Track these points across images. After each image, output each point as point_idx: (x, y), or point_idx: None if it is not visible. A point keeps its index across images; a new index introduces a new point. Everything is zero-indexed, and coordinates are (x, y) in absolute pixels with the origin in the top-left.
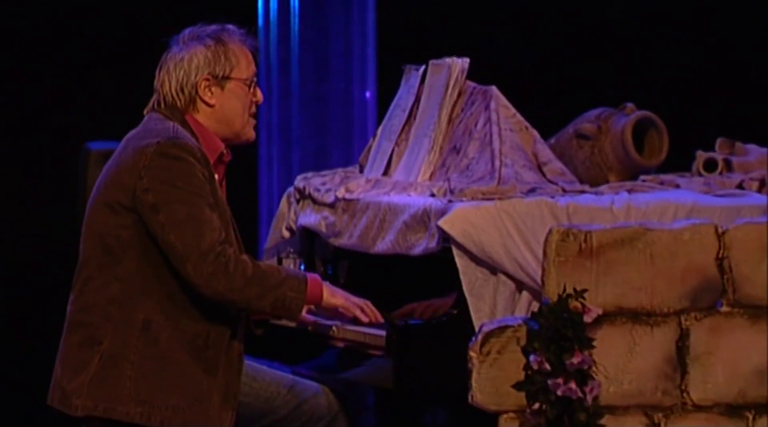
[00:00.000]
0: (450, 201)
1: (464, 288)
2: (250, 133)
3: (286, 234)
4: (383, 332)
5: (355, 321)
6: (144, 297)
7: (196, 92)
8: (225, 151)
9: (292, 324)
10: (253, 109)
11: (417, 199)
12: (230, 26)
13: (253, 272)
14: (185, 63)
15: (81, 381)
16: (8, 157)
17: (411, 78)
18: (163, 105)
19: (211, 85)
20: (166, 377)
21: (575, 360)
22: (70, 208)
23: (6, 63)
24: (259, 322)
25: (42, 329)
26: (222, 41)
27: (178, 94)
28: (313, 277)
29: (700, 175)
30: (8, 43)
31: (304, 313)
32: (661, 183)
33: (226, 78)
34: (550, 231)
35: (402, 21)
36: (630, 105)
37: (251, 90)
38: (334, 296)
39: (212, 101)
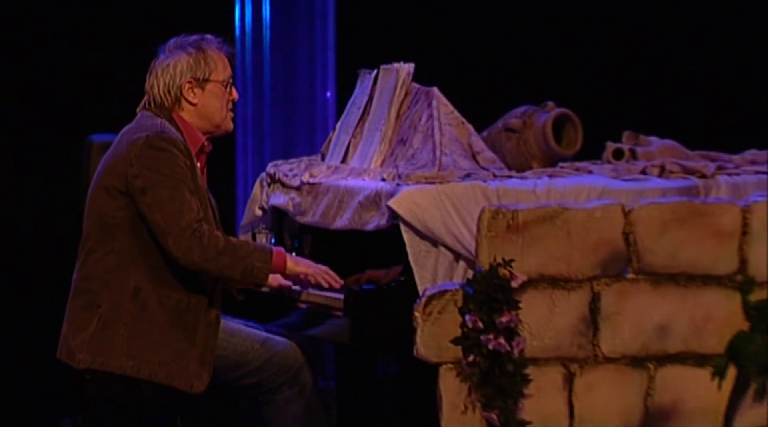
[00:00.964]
0: (398, 185)
1: (410, 259)
2: (229, 125)
3: (259, 213)
4: (341, 296)
5: (319, 286)
6: (135, 267)
7: (181, 93)
8: (206, 144)
9: (266, 290)
10: (231, 105)
11: (370, 183)
12: (209, 36)
13: (225, 245)
14: (171, 69)
15: (83, 338)
16: (21, 146)
17: (365, 80)
18: (152, 104)
19: (194, 87)
20: (153, 337)
21: (504, 319)
22: (74, 192)
23: (18, 63)
24: (242, 290)
25: (52, 295)
26: (202, 49)
27: (165, 95)
28: (278, 249)
29: (609, 162)
30: (20, 45)
31: (283, 281)
32: (577, 169)
33: (206, 80)
34: (483, 210)
35: (358, 32)
36: (550, 103)
37: (228, 89)
38: (297, 264)
39: (195, 101)
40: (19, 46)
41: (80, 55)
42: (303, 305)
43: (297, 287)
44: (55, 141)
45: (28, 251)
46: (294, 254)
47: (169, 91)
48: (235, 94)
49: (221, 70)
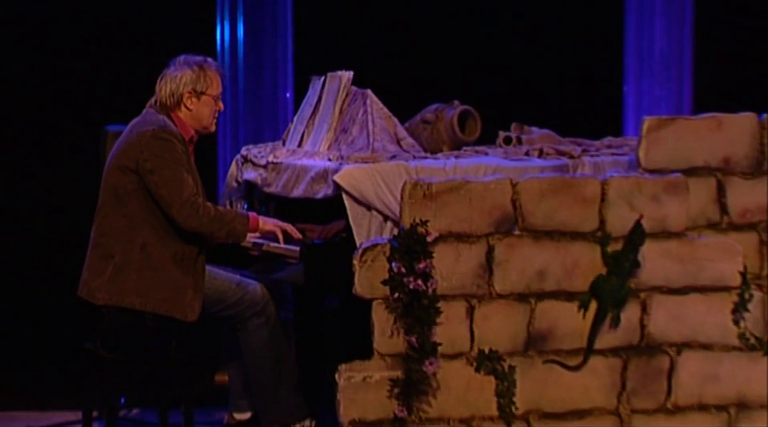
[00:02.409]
0: (341, 163)
1: (350, 220)
2: (212, 128)
3: (235, 185)
4: (297, 248)
5: (287, 240)
6: (141, 227)
7: (181, 100)
8: (194, 135)
9: (248, 245)
10: (216, 114)
11: (319, 162)
12: (209, 59)
13: (215, 213)
14: (177, 79)
15: (100, 281)
16: (50, 134)
17: (316, 84)
18: (158, 104)
19: (192, 97)
20: (156, 280)
21: (421, 266)
22: (93, 170)
23: (47, 66)
24: (255, 245)
25: (72, 249)
26: (203, 68)
27: (169, 99)
28: (252, 214)
29: (501, 147)
30: (49, 52)
31: (260, 240)
32: (476, 152)
33: (202, 93)
34: (405, 183)
35: (311, 47)
36: (456, 101)
37: (217, 102)
38: (266, 224)
39: (191, 107)
40: (47, 52)
41: (97, 62)
42: (268, 255)
43: (263, 240)
44: (78, 129)
45: (55, 216)
46: (263, 216)
47: (172, 96)
48: (221, 106)
49: (215, 86)
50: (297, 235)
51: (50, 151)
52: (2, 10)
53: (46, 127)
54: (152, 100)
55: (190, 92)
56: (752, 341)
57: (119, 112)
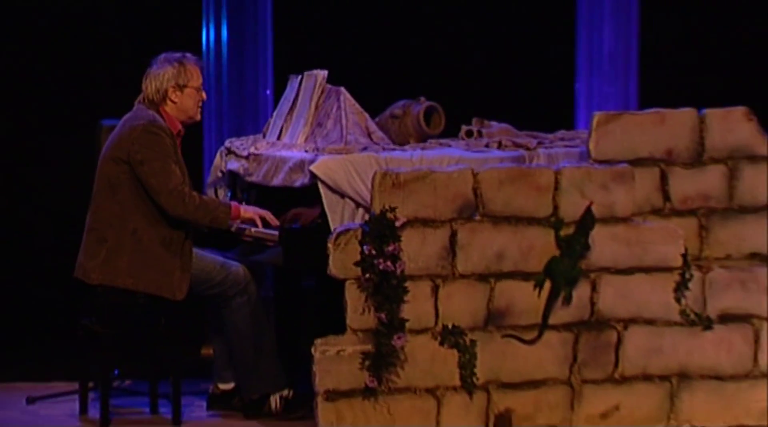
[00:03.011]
0: (317, 155)
1: (325, 206)
2: (198, 117)
3: (220, 175)
4: (276, 232)
5: (265, 225)
6: (132, 214)
7: (167, 94)
8: (181, 130)
9: (232, 230)
10: (201, 103)
11: (297, 154)
12: (188, 54)
13: (200, 202)
14: (160, 76)
15: (95, 263)
16: (50, 127)
17: (293, 82)
18: (146, 100)
19: (176, 90)
20: (147, 262)
21: (390, 248)
22: (88, 160)
23: (46, 64)
24: (243, 231)
25: (70, 233)
26: (183, 63)
27: (155, 94)
28: (234, 203)
29: (463, 139)
30: (49, 51)
31: (243, 226)
32: (441, 144)
33: (185, 86)
34: (375, 173)
35: (289, 48)
36: (422, 98)
37: (199, 93)
38: (247, 211)
39: (176, 100)
40: (50, 54)
41: (94, 62)
42: (250, 239)
43: (245, 226)
44: (75, 123)
45: (52, 203)
46: (244, 203)
47: (158, 92)
48: (204, 95)
49: (196, 79)
50: (275, 222)
51: (50, 144)
52: (2, 11)
53: (47, 121)
54: (140, 97)
55: (174, 86)
56: (692, 316)
57: (113, 107)
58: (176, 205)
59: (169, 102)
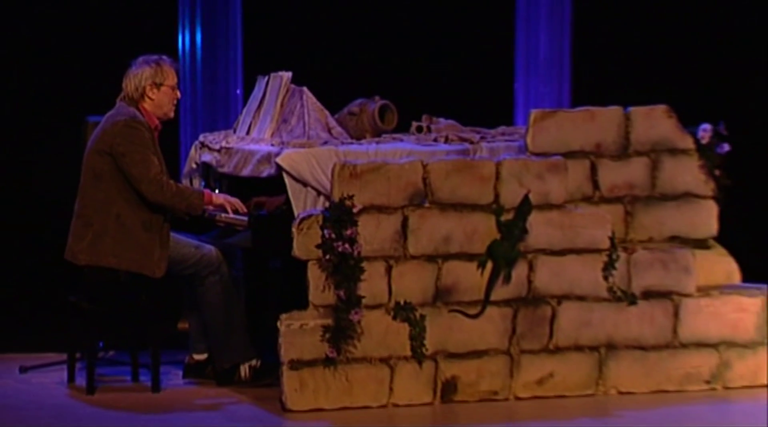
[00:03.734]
0: (282, 148)
1: (290, 194)
2: (171, 115)
3: (194, 166)
4: (245, 218)
5: (235, 212)
6: (115, 200)
7: (144, 92)
8: (158, 125)
9: (205, 216)
10: (175, 101)
11: (264, 147)
12: (164, 56)
13: (176, 190)
14: (139, 75)
15: (82, 246)
16: (39, 123)
17: (261, 83)
18: (126, 98)
19: (153, 88)
20: (129, 243)
21: (348, 232)
22: (75, 154)
23: (35, 63)
24: (214, 216)
25: (59, 218)
26: (159, 64)
27: (134, 92)
28: (207, 191)
29: (413, 134)
30: (38, 51)
31: (214, 212)
32: (394, 138)
33: (161, 84)
34: (335, 164)
35: (257, 51)
36: (377, 97)
37: (174, 91)
38: (217, 199)
39: (153, 97)
40: (37, 56)
41: (80, 63)
42: (221, 224)
43: (216, 212)
44: (63, 120)
45: (43, 193)
46: (217, 191)
47: (137, 90)
48: (178, 94)
49: (171, 78)
50: (242, 208)
51: (39, 138)
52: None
53: (36, 117)
54: (121, 95)
55: (151, 85)
56: (619, 293)
57: (97, 105)
58: (155, 193)
59: (147, 99)
